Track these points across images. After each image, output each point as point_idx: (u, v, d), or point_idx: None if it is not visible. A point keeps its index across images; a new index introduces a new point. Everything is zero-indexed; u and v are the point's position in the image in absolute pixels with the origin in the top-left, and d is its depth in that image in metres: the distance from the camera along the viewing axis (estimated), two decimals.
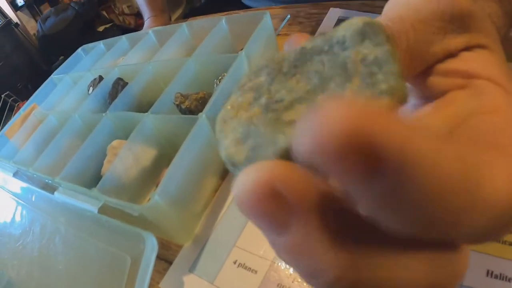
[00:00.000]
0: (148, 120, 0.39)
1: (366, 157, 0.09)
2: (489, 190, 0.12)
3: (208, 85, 0.44)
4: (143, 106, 0.48)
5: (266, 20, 0.47)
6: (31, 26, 3.02)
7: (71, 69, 0.72)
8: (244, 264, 0.31)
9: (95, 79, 0.60)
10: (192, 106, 0.38)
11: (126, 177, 0.38)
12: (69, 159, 0.47)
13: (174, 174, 0.31)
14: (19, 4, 2.89)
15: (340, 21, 0.57)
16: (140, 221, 0.33)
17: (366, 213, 0.11)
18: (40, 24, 2.82)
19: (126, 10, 3.15)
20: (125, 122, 0.43)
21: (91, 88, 0.59)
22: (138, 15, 3.05)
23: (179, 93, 0.40)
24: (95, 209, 0.34)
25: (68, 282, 0.39)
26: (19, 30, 2.85)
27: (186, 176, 0.33)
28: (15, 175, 0.56)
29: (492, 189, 0.12)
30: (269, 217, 0.11)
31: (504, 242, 0.27)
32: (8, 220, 0.54)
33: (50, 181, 0.43)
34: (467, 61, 0.18)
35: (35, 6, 3.08)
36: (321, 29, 0.56)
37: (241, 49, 0.50)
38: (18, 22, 2.84)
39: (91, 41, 0.96)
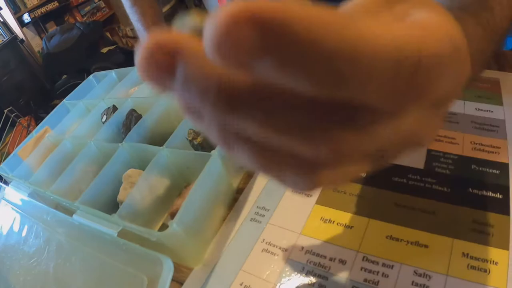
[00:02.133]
0: (164, 154, 0.43)
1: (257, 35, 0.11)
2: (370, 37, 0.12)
3: None
4: (155, 138, 0.53)
5: None
6: (36, 43, 3.06)
7: (84, 95, 0.76)
8: (249, 286, 0.35)
9: (108, 108, 0.64)
10: (204, 142, 0.43)
11: (142, 205, 0.42)
12: (84, 184, 0.51)
13: (189, 205, 0.36)
14: (26, 21, 2.92)
15: None
16: (154, 244, 0.37)
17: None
18: (45, 42, 2.86)
19: (130, 33, 3.21)
20: (141, 153, 0.47)
21: (104, 117, 0.64)
22: None
23: (192, 129, 0.45)
24: (114, 233, 0.39)
25: None
26: (24, 47, 2.89)
27: (199, 207, 0.37)
28: (30, 195, 0.60)
29: (374, 35, 0.12)
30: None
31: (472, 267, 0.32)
32: (22, 238, 0.58)
33: (68, 205, 0.47)
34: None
35: (41, 24, 3.12)
36: None
37: None
38: (24, 38, 2.88)
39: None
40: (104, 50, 2.71)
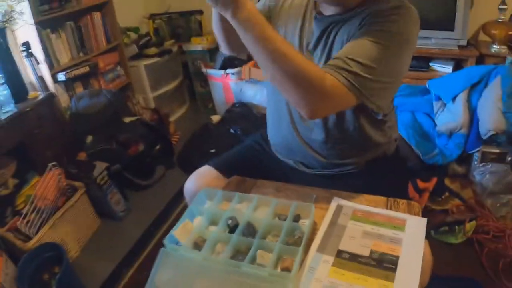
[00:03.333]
0: (276, 248, 1.22)
1: None
2: None
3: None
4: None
5: (312, 211, 1.32)
6: (64, 99, 3.39)
7: (203, 204, 1.48)
8: None
9: (230, 217, 1.39)
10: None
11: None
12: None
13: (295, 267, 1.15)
14: (60, 79, 3.29)
15: (339, 206, 1.38)
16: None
17: None
18: (74, 102, 3.25)
19: (142, 103, 3.65)
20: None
21: (230, 221, 1.38)
22: (153, 111, 3.65)
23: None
24: (267, 272, 1.15)
25: None
26: (55, 102, 3.27)
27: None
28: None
29: None
30: None
31: None
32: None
33: (243, 266, 1.22)
34: None
35: (71, 83, 3.51)
36: (329, 211, 1.38)
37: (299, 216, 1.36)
38: (55, 94, 3.25)
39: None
40: (127, 120, 3.19)
